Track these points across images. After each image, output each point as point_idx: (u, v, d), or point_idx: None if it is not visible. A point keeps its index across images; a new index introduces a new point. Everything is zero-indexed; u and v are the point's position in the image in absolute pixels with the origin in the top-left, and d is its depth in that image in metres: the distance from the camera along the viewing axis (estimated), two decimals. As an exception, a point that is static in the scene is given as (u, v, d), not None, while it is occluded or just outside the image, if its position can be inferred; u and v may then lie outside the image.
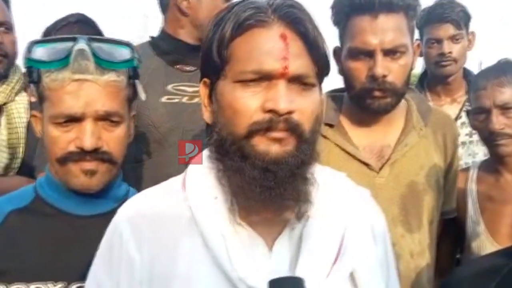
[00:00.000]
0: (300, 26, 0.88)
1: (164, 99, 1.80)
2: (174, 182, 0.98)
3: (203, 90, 0.96)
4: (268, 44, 0.87)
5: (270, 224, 0.91)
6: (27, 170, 1.85)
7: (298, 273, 0.87)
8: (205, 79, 0.95)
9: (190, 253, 0.89)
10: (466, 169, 1.87)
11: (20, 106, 1.86)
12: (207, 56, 0.92)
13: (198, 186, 0.93)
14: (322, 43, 0.90)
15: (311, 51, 0.89)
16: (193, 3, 1.83)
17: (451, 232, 1.76)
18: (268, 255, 0.90)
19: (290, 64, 0.86)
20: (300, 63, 0.87)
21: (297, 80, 0.88)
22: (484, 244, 1.73)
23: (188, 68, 1.85)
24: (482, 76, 1.77)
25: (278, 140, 0.86)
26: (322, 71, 0.92)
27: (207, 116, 0.95)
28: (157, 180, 1.78)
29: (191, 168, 0.98)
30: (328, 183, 0.98)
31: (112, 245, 0.95)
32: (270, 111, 0.85)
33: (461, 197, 1.77)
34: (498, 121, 1.66)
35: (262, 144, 0.86)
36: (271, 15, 0.88)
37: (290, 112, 0.86)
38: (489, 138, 1.70)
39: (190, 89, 1.82)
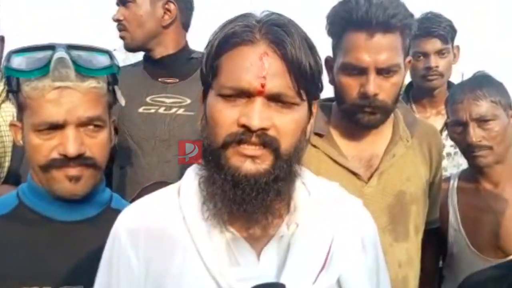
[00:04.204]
0: (282, 46, 0.89)
1: (141, 109, 1.85)
2: (171, 189, 1.01)
3: (200, 99, 1.00)
4: (249, 62, 0.89)
5: (260, 232, 0.93)
6: (13, 179, 1.83)
7: (284, 280, 0.90)
8: (203, 89, 0.98)
9: (182, 257, 0.92)
10: (447, 179, 1.88)
11: (7, 114, 1.84)
12: (201, 67, 0.96)
13: (191, 194, 0.96)
14: (307, 63, 0.90)
15: (293, 71, 0.89)
16: None
17: (433, 241, 1.78)
18: (256, 261, 0.93)
19: (267, 82, 0.88)
20: (278, 82, 0.89)
21: (276, 99, 0.89)
22: (465, 252, 1.76)
23: (170, 80, 1.90)
24: (458, 89, 1.79)
25: (251, 157, 0.88)
26: (308, 90, 0.93)
27: (199, 123, 0.98)
28: (129, 187, 1.81)
29: (186, 175, 1.00)
30: (319, 192, 1.00)
31: (112, 250, 0.97)
32: (243, 126, 0.88)
33: (442, 206, 1.79)
34: (475, 134, 1.68)
35: (236, 159, 0.89)
36: (257, 34, 0.90)
37: (263, 129, 0.88)
38: (467, 150, 1.73)
39: (169, 100, 1.86)
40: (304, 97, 0.92)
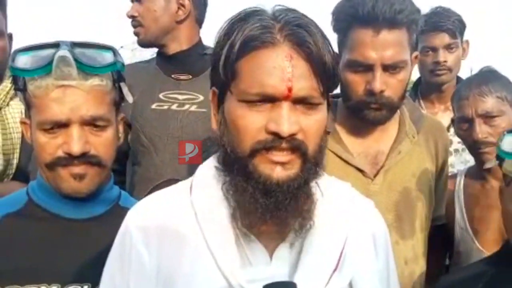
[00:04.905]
0: (306, 47, 0.86)
1: (154, 106, 1.85)
2: (182, 186, 1.00)
3: (212, 98, 0.97)
4: (273, 66, 0.86)
5: (273, 233, 0.92)
6: (22, 176, 1.84)
7: (296, 281, 0.89)
8: (214, 88, 0.96)
9: (193, 255, 0.91)
10: (453, 176, 1.88)
11: (15, 111, 1.85)
12: (215, 68, 0.93)
13: (204, 192, 0.95)
14: (329, 61, 0.88)
15: (318, 72, 0.87)
16: None
17: (439, 238, 1.77)
18: (268, 262, 0.92)
19: (294, 86, 0.85)
20: (304, 85, 0.86)
21: (302, 101, 0.87)
22: (472, 249, 1.75)
23: (183, 77, 1.91)
24: (464, 85, 1.78)
25: (281, 163, 0.87)
26: (329, 88, 0.91)
27: (214, 125, 0.96)
28: (141, 184, 1.81)
29: (199, 173, 0.99)
30: (332, 193, 0.99)
31: (123, 245, 0.97)
32: (272, 132, 0.86)
33: (449, 204, 1.79)
34: (481, 130, 1.67)
35: (265, 166, 0.87)
36: (277, 35, 0.86)
37: (293, 135, 0.86)
38: (473, 146, 1.72)
39: (182, 97, 1.87)
40: (325, 95, 0.91)
